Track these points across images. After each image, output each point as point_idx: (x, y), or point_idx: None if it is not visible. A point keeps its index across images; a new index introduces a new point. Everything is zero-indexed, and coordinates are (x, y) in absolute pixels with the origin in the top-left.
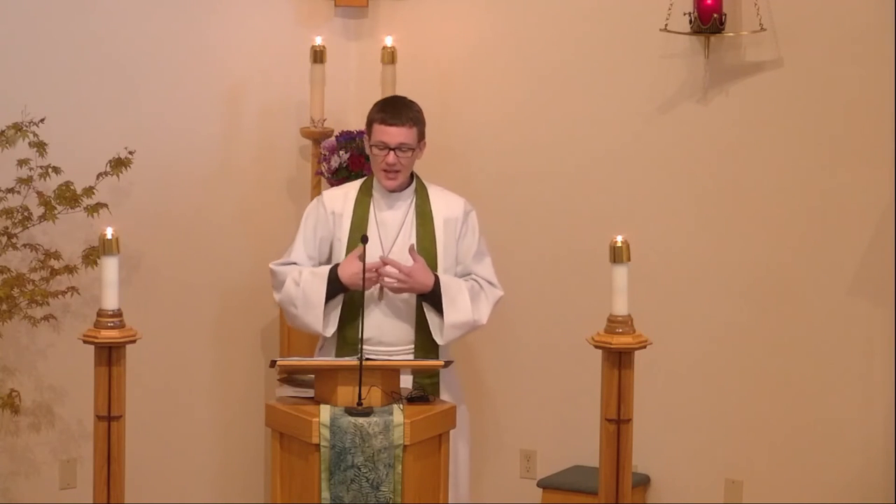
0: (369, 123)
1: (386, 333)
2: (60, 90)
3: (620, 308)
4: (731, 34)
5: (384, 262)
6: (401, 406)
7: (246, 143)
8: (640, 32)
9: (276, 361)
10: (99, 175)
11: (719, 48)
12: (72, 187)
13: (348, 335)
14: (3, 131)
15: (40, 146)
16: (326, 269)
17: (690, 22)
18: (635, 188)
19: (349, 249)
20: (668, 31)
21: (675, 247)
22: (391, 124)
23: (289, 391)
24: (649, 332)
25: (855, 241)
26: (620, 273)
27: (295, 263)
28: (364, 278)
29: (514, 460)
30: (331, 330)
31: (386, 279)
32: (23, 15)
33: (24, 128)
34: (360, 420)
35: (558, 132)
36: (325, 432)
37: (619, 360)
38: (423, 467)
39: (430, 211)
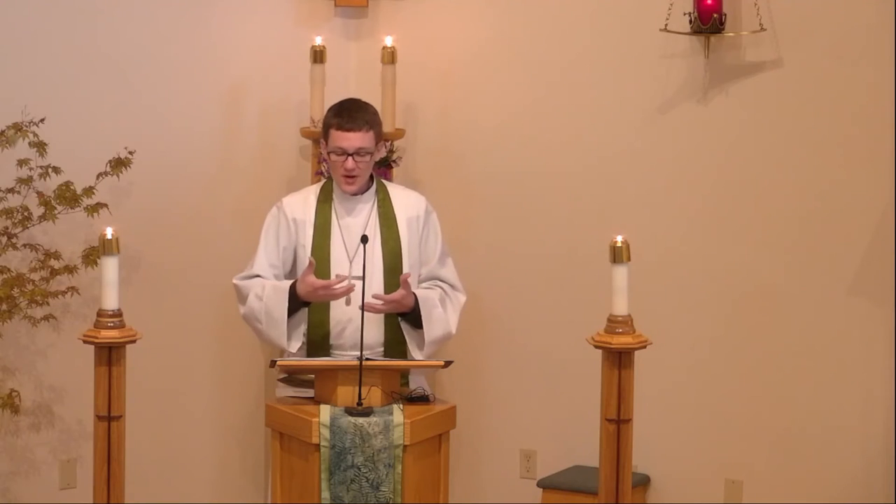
0: (326, 129)
1: (357, 336)
2: (60, 90)
3: (620, 308)
4: (731, 34)
5: (373, 297)
6: (401, 406)
7: (246, 143)
8: (640, 32)
9: (276, 361)
10: (99, 175)
11: (719, 48)
12: (72, 187)
13: (315, 338)
14: (3, 131)
15: (40, 146)
16: (287, 284)
17: (690, 22)
18: (635, 188)
19: (314, 255)
20: (668, 31)
21: (675, 246)
22: (348, 129)
23: (289, 391)
24: (649, 332)
25: (855, 241)
26: (620, 273)
27: (258, 276)
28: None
29: (514, 460)
30: (295, 345)
31: (373, 307)
32: (23, 15)
33: (24, 128)
34: (360, 420)
35: (558, 132)
36: (325, 432)
37: (619, 360)
38: (423, 467)
39: (393, 212)
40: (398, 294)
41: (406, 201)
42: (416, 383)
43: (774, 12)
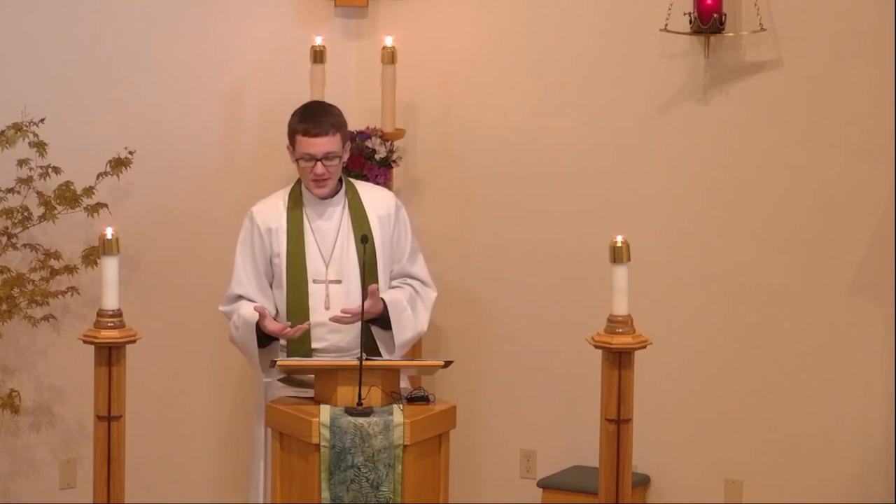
0: (291, 134)
1: (338, 339)
2: (60, 90)
3: (620, 308)
4: (731, 34)
5: (342, 312)
6: (401, 406)
7: (246, 143)
8: (640, 32)
9: (276, 361)
10: (99, 175)
11: (719, 48)
12: (72, 187)
13: (295, 346)
14: (3, 131)
15: (40, 146)
16: (255, 319)
17: (690, 22)
18: (635, 188)
19: (290, 262)
20: (668, 31)
21: (674, 246)
22: (315, 135)
23: (289, 391)
24: (649, 332)
25: (855, 241)
26: (620, 273)
27: (239, 296)
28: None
29: (514, 460)
30: (275, 374)
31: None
32: (23, 15)
33: (24, 128)
34: (360, 420)
35: (558, 132)
36: (325, 432)
37: (619, 360)
38: (423, 467)
39: (364, 211)
40: (367, 304)
41: (375, 199)
42: (402, 382)
43: (774, 12)
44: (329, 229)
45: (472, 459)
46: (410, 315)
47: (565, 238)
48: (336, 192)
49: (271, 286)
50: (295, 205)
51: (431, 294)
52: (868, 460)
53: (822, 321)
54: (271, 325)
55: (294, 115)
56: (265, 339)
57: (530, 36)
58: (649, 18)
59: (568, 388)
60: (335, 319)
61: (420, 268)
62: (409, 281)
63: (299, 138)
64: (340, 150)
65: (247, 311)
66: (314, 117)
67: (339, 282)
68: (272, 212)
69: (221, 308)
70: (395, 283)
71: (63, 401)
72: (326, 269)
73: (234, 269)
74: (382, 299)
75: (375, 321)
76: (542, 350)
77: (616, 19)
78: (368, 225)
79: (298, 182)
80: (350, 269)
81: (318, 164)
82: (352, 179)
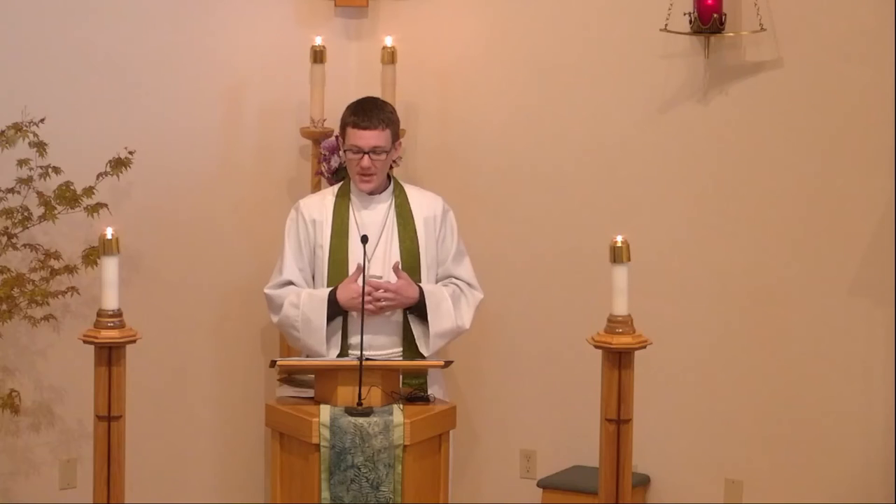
0: (343, 127)
1: (376, 336)
2: (60, 90)
3: (620, 308)
4: (731, 34)
5: (372, 286)
6: (401, 406)
7: (246, 143)
8: (640, 32)
9: (276, 361)
10: (99, 175)
11: (719, 48)
12: (72, 187)
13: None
14: (3, 131)
15: (40, 146)
16: (325, 291)
17: (690, 22)
18: (635, 188)
19: (332, 255)
20: (668, 31)
21: (675, 246)
22: (364, 128)
23: (289, 391)
24: (649, 332)
25: (855, 241)
26: (620, 273)
27: (289, 281)
28: (363, 301)
29: (514, 460)
30: (334, 352)
31: (382, 302)
32: (23, 15)
33: (24, 128)
34: (360, 420)
35: (558, 132)
36: (325, 432)
37: (619, 360)
38: (422, 467)
39: (410, 211)
40: (398, 284)
41: (423, 201)
42: (434, 383)
43: (774, 12)
44: (373, 225)
45: (472, 459)
46: (450, 307)
47: (565, 237)
48: (384, 189)
49: (313, 277)
50: (342, 198)
51: (477, 295)
52: (868, 460)
53: (822, 321)
54: (359, 289)
55: (348, 108)
56: (329, 316)
57: (530, 36)
58: (649, 18)
59: (568, 388)
60: (374, 293)
61: (466, 270)
62: (455, 281)
63: (349, 130)
64: (388, 145)
65: (314, 290)
66: (365, 111)
67: (378, 277)
68: (318, 205)
69: (268, 290)
70: (440, 283)
71: (63, 401)
72: (368, 264)
73: (282, 259)
74: (420, 287)
75: (413, 312)
76: (541, 350)
77: (616, 19)
78: (413, 225)
79: (348, 179)
80: (390, 266)
81: (365, 157)
82: (402, 182)
